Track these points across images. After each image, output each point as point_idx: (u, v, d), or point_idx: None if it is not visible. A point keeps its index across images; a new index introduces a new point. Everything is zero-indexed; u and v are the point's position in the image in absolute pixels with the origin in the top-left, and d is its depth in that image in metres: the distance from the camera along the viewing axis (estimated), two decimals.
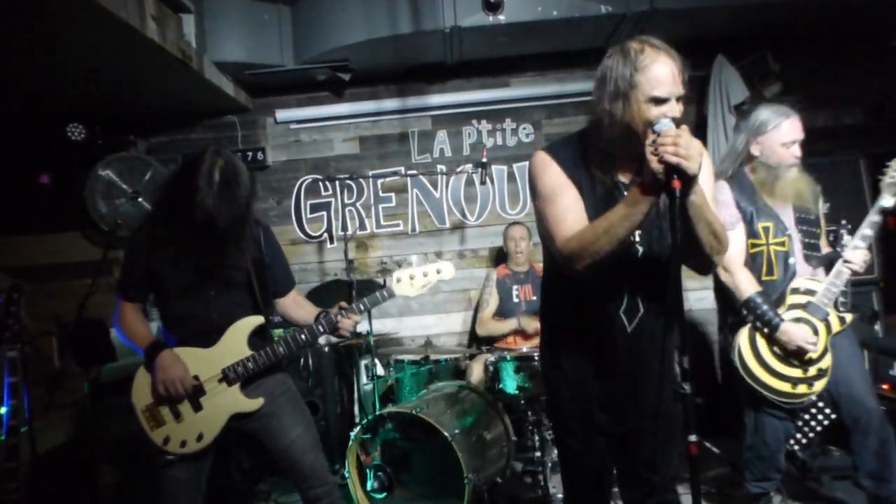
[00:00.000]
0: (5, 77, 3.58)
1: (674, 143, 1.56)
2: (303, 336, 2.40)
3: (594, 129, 1.87)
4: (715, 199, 1.91)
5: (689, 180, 1.60)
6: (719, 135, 4.44)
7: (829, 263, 2.79)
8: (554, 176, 1.89)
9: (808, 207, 2.80)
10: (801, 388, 2.68)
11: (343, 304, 2.40)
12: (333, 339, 4.72)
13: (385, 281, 4.37)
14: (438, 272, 2.47)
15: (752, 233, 2.76)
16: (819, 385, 2.68)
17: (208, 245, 2.30)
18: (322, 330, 2.40)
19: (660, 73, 1.71)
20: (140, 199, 4.37)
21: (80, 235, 4.68)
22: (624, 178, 1.89)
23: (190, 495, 2.39)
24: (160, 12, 3.35)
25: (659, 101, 1.72)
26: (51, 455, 3.47)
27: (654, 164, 1.59)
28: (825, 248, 2.88)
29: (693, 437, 1.60)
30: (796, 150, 2.75)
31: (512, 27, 3.95)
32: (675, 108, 1.72)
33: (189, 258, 2.33)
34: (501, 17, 3.86)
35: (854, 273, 2.72)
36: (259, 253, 2.49)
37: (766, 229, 2.74)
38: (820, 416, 3.49)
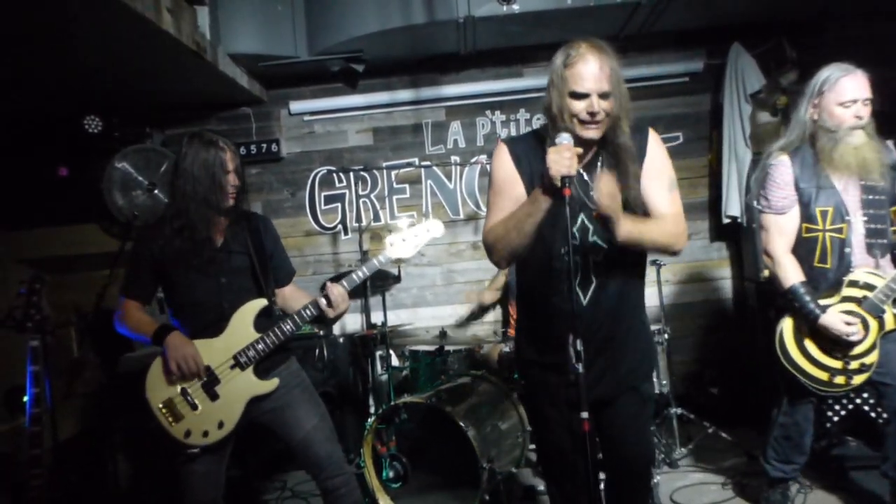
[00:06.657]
0: (23, 71, 3.60)
1: (565, 156, 1.72)
2: (307, 310, 2.41)
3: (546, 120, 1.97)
4: (672, 182, 1.99)
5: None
6: (735, 123, 4.40)
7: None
8: (505, 169, 2.00)
9: (879, 184, 2.54)
10: (839, 380, 2.58)
11: (329, 282, 2.41)
12: (349, 331, 4.76)
13: (399, 270, 4.39)
14: (428, 231, 2.52)
15: (808, 216, 2.61)
16: (858, 379, 2.57)
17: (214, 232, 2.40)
18: (326, 302, 2.39)
19: (582, 70, 1.82)
20: (156, 192, 4.40)
21: (97, 227, 4.73)
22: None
23: (209, 489, 2.41)
24: (175, 4, 3.36)
25: (578, 96, 1.84)
26: (70, 444, 3.52)
27: (553, 171, 1.73)
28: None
29: (584, 415, 1.72)
30: (859, 111, 2.51)
31: (525, 16, 3.92)
32: (595, 104, 1.83)
33: (197, 249, 2.36)
34: (515, 7, 3.83)
35: None
36: (260, 241, 2.51)
37: (823, 213, 2.58)
38: (837, 406, 3.47)
